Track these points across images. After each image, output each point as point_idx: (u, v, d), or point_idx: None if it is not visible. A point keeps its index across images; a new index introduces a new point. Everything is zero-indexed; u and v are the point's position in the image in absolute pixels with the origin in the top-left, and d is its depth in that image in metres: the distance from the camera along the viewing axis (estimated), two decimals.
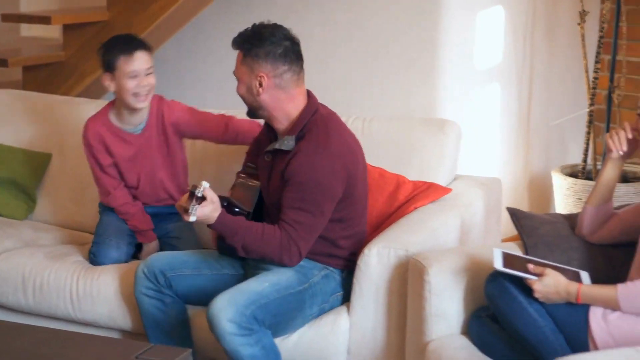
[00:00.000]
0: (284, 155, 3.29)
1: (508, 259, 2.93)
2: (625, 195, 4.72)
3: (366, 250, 3.31)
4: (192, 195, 3.10)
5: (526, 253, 3.19)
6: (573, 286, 2.83)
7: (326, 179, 3.23)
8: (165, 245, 3.86)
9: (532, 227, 3.25)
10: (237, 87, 3.33)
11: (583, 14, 4.90)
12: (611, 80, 4.91)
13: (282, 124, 3.33)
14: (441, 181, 3.80)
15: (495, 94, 5.02)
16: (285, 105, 3.29)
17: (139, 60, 3.68)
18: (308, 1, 4.98)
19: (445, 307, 3.11)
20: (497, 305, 2.91)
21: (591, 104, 4.92)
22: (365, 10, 4.85)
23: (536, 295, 2.83)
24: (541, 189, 5.28)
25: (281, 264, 3.28)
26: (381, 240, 3.35)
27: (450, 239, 3.52)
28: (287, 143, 3.28)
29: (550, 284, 2.82)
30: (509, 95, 5.08)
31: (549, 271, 2.84)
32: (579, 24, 4.90)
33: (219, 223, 3.20)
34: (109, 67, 3.69)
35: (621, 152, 3.06)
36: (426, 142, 3.85)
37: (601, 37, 4.90)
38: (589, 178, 4.94)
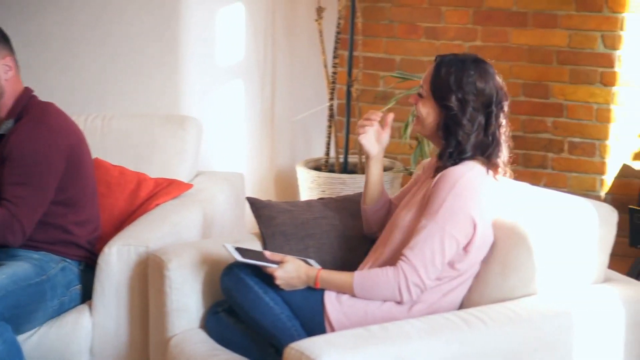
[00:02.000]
0: (3, 139, 3.29)
1: (242, 253, 2.95)
2: (350, 186, 4.85)
3: (106, 249, 3.28)
4: None
5: (264, 243, 3.24)
6: (313, 271, 2.89)
7: (45, 151, 3.24)
8: None
9: (269, 217, 3.30)
10: None
11: (320, 11, 5.01)
12: (349, 75, 5.05)
13: (4, 111, 3.34)
14: (183, 177, 3.81)
15: (239, 90, 5.06)
16: (15, 89, 3.35)
17: None
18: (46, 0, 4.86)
19: (186, 302, 3.11)
20: (234, 297, 2.92)
21: (331, 99, 5.05)
22: (105, 7, 4.77)
23: (277, 282, 2.86)
24: (287, 183, 5.38)
25: (6, 244, 3.23)
26: (121, 238, 3.32)
27: (192, 233, 3.54)
28: (6, 127, 3.30)
29: (291, 269, 2.87)
30: (253, 91, 5.14)
31: (289, 258, 2.89)
32: (316, 20, 5.01)
33: None
34: None
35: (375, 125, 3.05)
36: (166, 139, 3.86)
37: (338, 33, 5.04)
38: (331, 171, 5.07)
